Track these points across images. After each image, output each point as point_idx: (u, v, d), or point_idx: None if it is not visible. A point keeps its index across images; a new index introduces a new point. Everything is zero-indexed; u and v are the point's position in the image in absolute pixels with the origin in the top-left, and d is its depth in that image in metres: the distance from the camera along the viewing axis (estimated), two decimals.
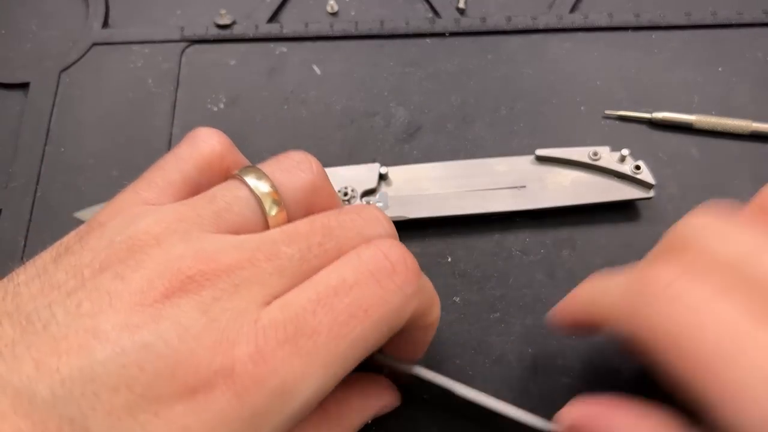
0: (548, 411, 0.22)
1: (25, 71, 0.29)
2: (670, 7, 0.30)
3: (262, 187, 0.17)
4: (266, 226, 0.18)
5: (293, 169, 0.18)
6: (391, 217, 0.23)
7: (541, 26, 0.30)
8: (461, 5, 0.31)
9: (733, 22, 0.30)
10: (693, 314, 0.15)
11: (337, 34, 0.30)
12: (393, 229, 0.18)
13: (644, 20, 0.30)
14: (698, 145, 0.27)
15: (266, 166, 0.18)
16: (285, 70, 0.29)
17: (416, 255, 0.24)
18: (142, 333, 0.14)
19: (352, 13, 0.31)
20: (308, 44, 0.30)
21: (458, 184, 0.25)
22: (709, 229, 0.17)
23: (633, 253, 0.24)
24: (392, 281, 0.16)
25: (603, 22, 0.30)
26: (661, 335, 0.16)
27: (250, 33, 0.30)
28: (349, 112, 0.28)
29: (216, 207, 0.17)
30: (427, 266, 0.24)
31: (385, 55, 0.29)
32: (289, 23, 0.30)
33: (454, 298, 0.24)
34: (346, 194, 0.24)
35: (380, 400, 0.21)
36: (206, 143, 0.19)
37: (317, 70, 0.29)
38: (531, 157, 0.25)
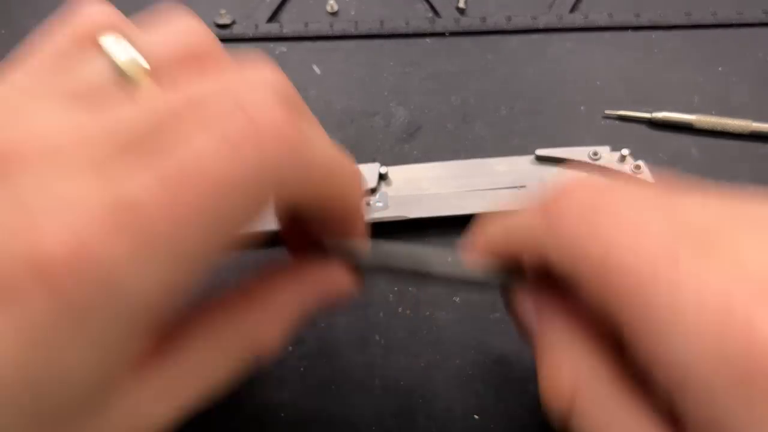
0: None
1: None
2: (671, 6, 0.30)
3: (120, 51, 0.15)
4: (127, 96, 0.14)
5: (168, 31, 0.16)
6: (390, 217, 0.23)
7: (541, 26, 0.30)
8: (461, 5, 0.31)
9: (733, 22, 0.30)
10: (617, 230, 0.13)
11: (337, 33, 0.30)
12: (284, 81, 0.15)
13: (644, 20, 0.30)
14: (698, 144, 0.27)
15: (138, 26, 0.16)
16: (285, 70, 0.29)
17: None
18: None
19: (352, 13, 0.31)
20: (308, 44, 0.30)
21: (458, 184, 0.25)
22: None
23: None
24: (248, 143, 0.13)
25: (603, 21, 0.30)
26: (580, 255, 0.14)
27: (250, 33, 0.30)
28: (349, 112, 0.28)
29: (67, 75, 0.15)
30: None
31: (385, 55, 0.29)
32: (289, 23, 0.30)
33: (454, 298, 0.24)
34: None
35: (325, 285, 0.17)
36: (87, 12, 0.16)
37: (317, 70, 0.29)
38: (531, 157, 0.25)
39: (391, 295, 0.24)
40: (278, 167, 0.13)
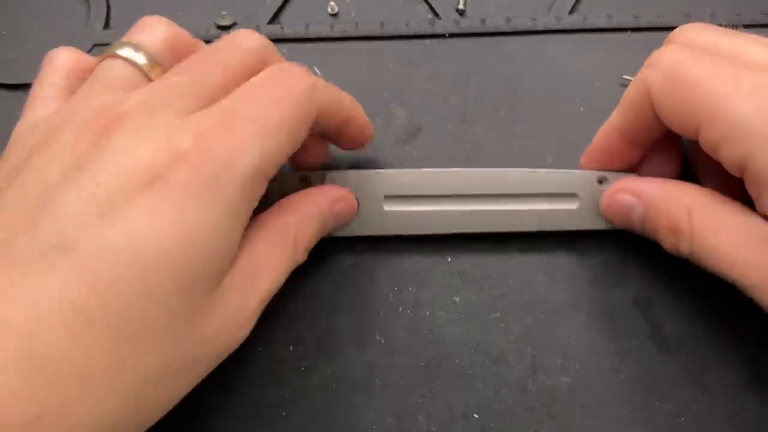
0: (548, 411, 0.22)
1: (27, 72, 0.29)
2: (669, 8, 0.30)
3: (132, 54, 0.20)
4: (150, 81, 0.20)
5: (149, 27, 0.21)
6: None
7: (540, 27, 0.30)
8: (461, 6, 0.31)
9: (733, 23, 0.30)
10: (690, 59, 0.19)
11: (338, 35, 0.30)
12: (263, 39, 0.21)
13: (643, 21, 0.30)
14: None
15: (124, 38, 0.21)
16: None
17: (416, 255, 0.24)
18: (87, 166, 0.17)
19: (353, 15, 0.31)
20: (309, 45, 0.30)
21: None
22: (695, 28, 0.21)
23: (634, 253, 0.24)
24: (290, 79, 0.20)
25: (602, 23, 0.30)
26: (665, 78, 0.19)
27: None
28: None
29: (100, 82, 0.20)
30: (427, 266, 0.24)
31: (386, 56, 0.30)
32: (290, 24, 0.30)
33: (454, 298, 0.24)
34: None
35: (329, 197, 0.22)
36: (61, 55, 0.22)
37: (318, 72, 0.29)
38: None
39: (391, 295, 0.24)
40: (315, 92, 0.20)
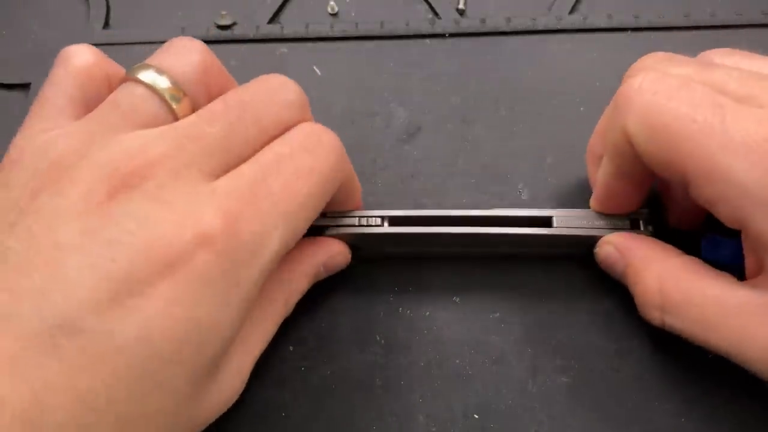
0: (548, 411, 0.22)
1: (26, 72, 0.29)
2: (670, 8, 0.30)
3: (157, 79, 0.18)
4: (176, 117, 0.18)
5: (180, 53, 0.19)
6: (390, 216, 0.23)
7: (540, 27, 0.30)
8: (461, 6, 0.31)
9: (733, 23, 0.30)
10: (666, 99, 0.18)
11: (338, 35, 0.30)
12: (301, 94, 0.20)
13: (643, 21, 0.30)
14: None
15: (153, 59, 0.19)
16: (285, 71, 0.29)
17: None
18: (101, 232, 0.15)
19: (353, 14, 0.31)
20: (309, 45, 0.30)
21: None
22: (660, 59, 0.20)
23: None
24: (322, 148, 0.19)
25: (602, 23, 0.30)
26: (644, 125, 0.18)
27: (251, 34, 0.30)
28: (349, 113, 0.28)
29: (121, 110, 0.18)
30: (427, 266, 0.24)
31: (386, 56, 0.30)
32: (290, 24, 0.30)
33: (454, 298, 0.24)
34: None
35: (327, 254, 0.22)
36: (78, 58, 0.19)
37: (317, 71, 0.29)
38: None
39: (391, 296, 0.24)
40: (342, 161, 0.20)
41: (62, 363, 0.14)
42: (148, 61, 0.19)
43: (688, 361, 0.22)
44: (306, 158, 0.18)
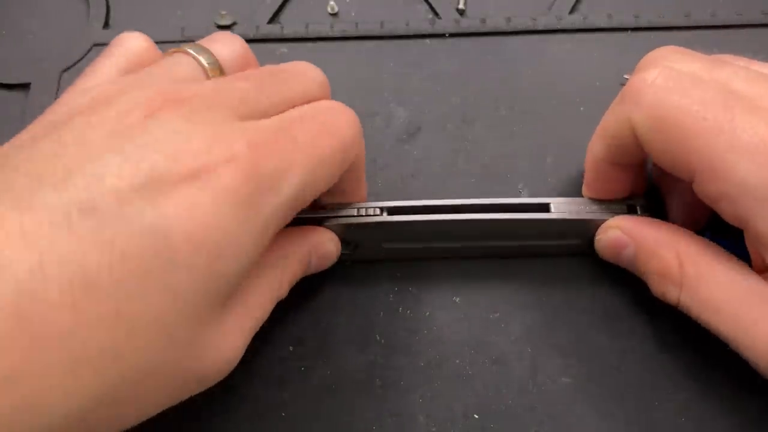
0: (548, 411, 0.22)
1: (26, 72, 0.29)
2: (670, 7, 0.30)
3: (201, 54, 0.20)
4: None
5: (224, 42, 0.21)
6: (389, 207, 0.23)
7: (540, 27, 0.30)
8: (461, 6, 0.31)
9: (733, 23, 0.30)
10: (679, 95, 0.18)
11: (338, 34, 0.30)
12: (326, 78, 0.21)
13: (644, 21, 0.30)
14: None
15: (202, 42, 0.21)
16: None
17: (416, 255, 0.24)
18: (132, 138, 0.16)
19: (353, 14, 0.31)
20: (309, 45, 0.30)
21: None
22: (672, 53, 0.20)
23: None
24: (345, 118, 0.20)
25: (602, 23, 0.30)
26: (652, 118, 0.19)
27: (251, 34, 0.30)
28: None
29: (163, 69, 0.19)
30: (427, 266, 0.24)
31: (386, 56, 0.30)
32: (290, 24, 0.30)
33: (454, 298, 0.24)
34: None
35: (317, 239, 0.22)
36: (133, 41, 0.21)
37: None
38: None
39: (391, 295, 0.24)
40: (359, 136, 0.21)
41: (72, 237, 0.14)
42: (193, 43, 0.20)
43: (689, 361, 0.22)
44: (329, 121, 0.19)
